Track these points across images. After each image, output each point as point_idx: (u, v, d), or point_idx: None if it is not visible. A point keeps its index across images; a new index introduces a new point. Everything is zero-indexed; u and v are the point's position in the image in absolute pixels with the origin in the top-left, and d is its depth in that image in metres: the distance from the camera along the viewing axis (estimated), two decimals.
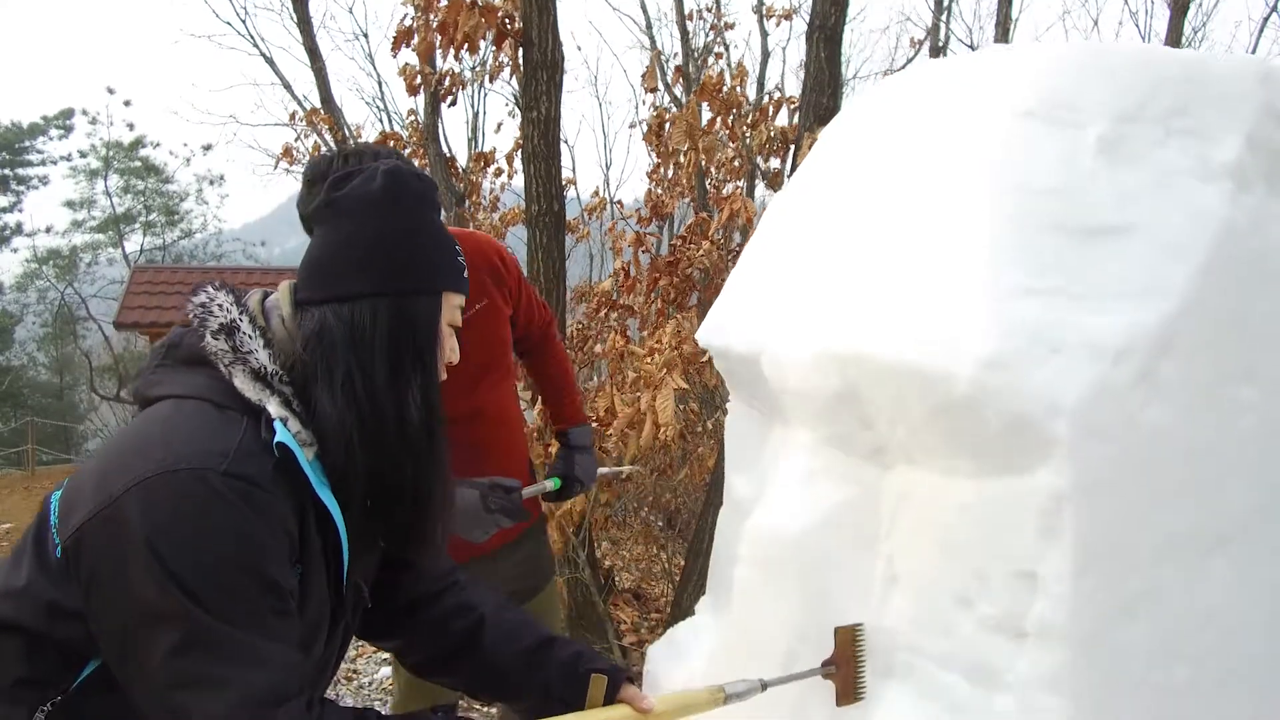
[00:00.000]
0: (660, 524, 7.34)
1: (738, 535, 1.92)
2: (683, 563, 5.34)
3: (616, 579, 5.92)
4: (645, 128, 5.38)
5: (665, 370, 4.06)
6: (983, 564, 1.53)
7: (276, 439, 1.28)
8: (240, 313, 1.37)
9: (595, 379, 6.91)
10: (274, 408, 1.31)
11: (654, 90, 5.85)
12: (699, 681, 1.97)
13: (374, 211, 1.38)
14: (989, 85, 1.69)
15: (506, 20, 4.68)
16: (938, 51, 12.28)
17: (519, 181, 6.08)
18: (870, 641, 1.70)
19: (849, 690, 1.68)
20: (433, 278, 1.42)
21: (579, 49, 18.11)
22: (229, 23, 24.27)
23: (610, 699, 1.58)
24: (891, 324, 1.56)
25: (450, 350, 1.49)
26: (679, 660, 2.14)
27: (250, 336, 1.35)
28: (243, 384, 1.32)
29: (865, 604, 1.72)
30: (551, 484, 2.69)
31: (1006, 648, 1.50)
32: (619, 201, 10.57)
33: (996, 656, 1.51)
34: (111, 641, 1.22)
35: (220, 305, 1.37)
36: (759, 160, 6.11)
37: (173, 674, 1.17)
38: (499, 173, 9.47)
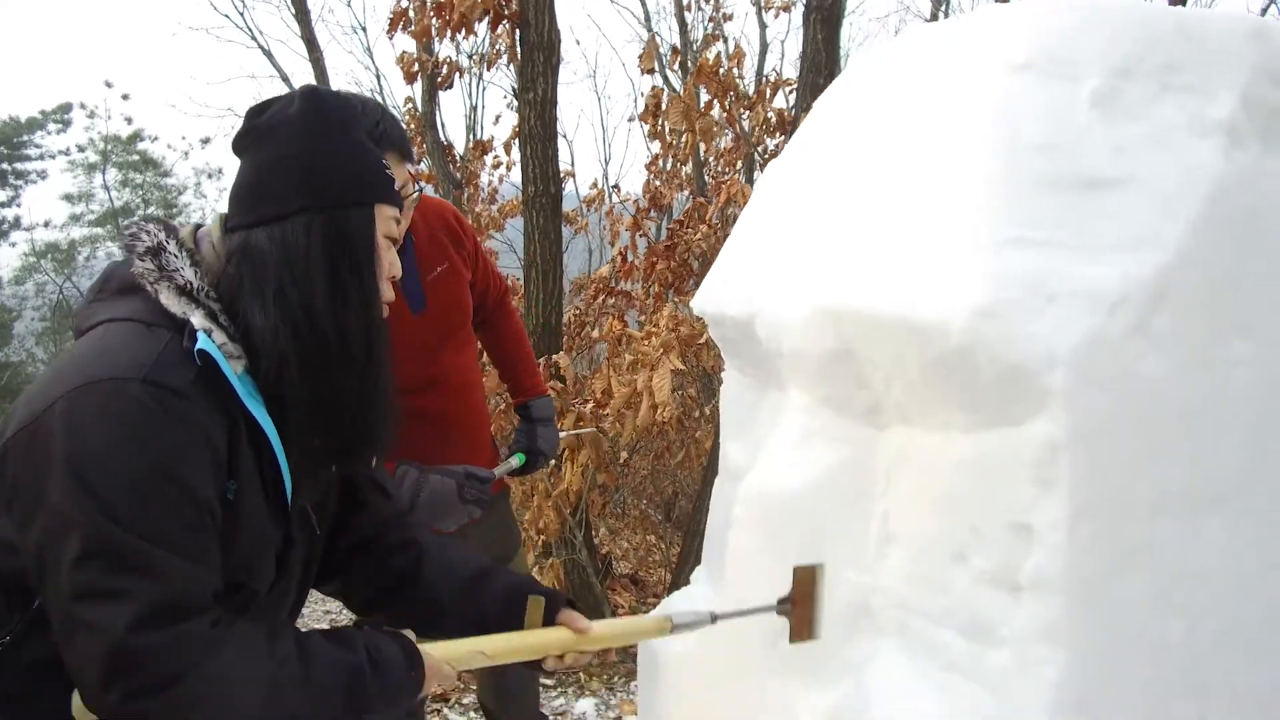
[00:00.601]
0: (659, 517, 7.35)
1: (733, 500, 1.92)
2: (679, 549, 5.35)
3: (614, 566, 5.93)
4: (643, 106, 5.36)
5: (662, 351, 4.06)
6: (978, 518, 1.52)
7: (197, 347, 1.27)
8: (168, 237, 1.37)
9: (591, 367, 6.92)
10: (198, 319, 1.30)
11: (651, 71, 5.84)
12: (694, 649, 1.97)
13: (295, 131, 1.38)
14: (983, 41, 1.69)
15: (503, 2, 4.68)
16: None
17: (518, 174, 6.10)
18: (863, 601, 1.70)
19: (804, 628, 1.65)
20: (363, 190, 1.41)
21: (578, 43, 18.16)
22: (226, 15, 24.13)
23: (550, 623, 1.59)
24: (885, 279, 1.56)
25: (391, 265, 1.47)
26: None
27: (176, 256, 1.35)
28: (168, 300, 1.31)
29: (860, 564, 1.72)
30: (516, 460, 2.70)
31: (1002, 602, 1.50)
32: (616, 186, 10.56)
33: (992, 611, 1.51)
34: (34, 556, 1.21)
35: (148, 231, 1.37)
36: (756, 148, 6.10)
37: (74, 585, 1.16)
38: (497, 164, 9.46)
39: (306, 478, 1.46)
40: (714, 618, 1.59)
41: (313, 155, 1.38)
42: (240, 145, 1.42)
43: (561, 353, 4.46)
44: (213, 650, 1.21)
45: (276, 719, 1.27)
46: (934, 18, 12.58)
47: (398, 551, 1.67)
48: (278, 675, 1.26)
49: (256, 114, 1.42)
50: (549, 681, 4.44)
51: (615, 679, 4.48)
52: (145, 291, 1.33)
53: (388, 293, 1.47)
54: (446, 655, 1.47)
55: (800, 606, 1.65)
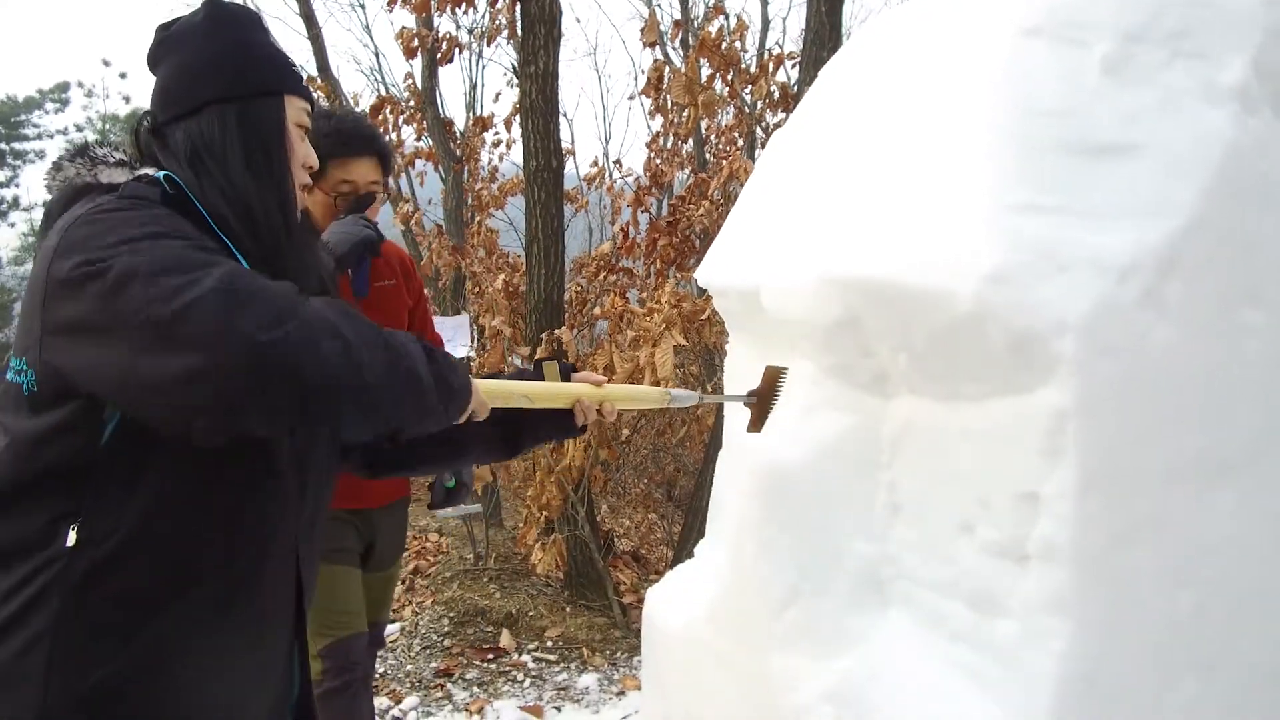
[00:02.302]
0: (660, 495, 7.36)
1: (738, 471, 1.91)
2: (681, 526, 5.35)
3: (616, 543, 5.94)
4: (645, 80, 5.32)
5: (665, 327, 4.04)
6: (985, 488, 1.51)
7: (161, 173, 1.33)
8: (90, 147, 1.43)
9: (592, 344, 6.89)
10: (150, 170, 1.36)
11: (653, 44, 5.80)
12: (702, 624, 1.97)
13: (203, 34, 1.46)
14: (993, 5, 1.66)
15: None
16: None
17: (518, 153, 6.06)
18: (870, 571, 1.70)
19: (757, 421, 1.81)
20: (271, 80, 1.48)
21: (578, 20, 18.03)
22: None
23: (567, 379, 1.69)
24: (893, 246, 1.54)
25: (305, 155, 1.53)
26: (679, 601, 2.13)
27: (105, 151, 1.42)
28: (111, 175, 1.37)
29: (867, 534, 1.71)
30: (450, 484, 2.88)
31: (1009, 572, 1.49)
32: (618, 161, 10.49)
33: (999, 581, 1.50)
34: (107, 339, 1.19)
35: (66, 151, 1.44)
36: (758, 125, 6.07)
37: (156, 295, 1.14)
38: (498, 142, 9.41)
39: None
40: (700, 397, 1.82)
41: (220, 52, 1.45)
42: (154, 58, 1.49)
43: (564, 328, 4.44)
44: (302, 302, 1.23)
45: (375, 363, 1.26)
46: None
47: None
48: (359, 330, 1.27)
49: (165, 29, 1.49)
50: (552, 657, 4.45)
51: (618, 654, 4.49)
52: (87, 189, 1.37)
53: (302, 177, 1.52)
54: (490, 389, 1.52)
55: (761, 402, 1.80)
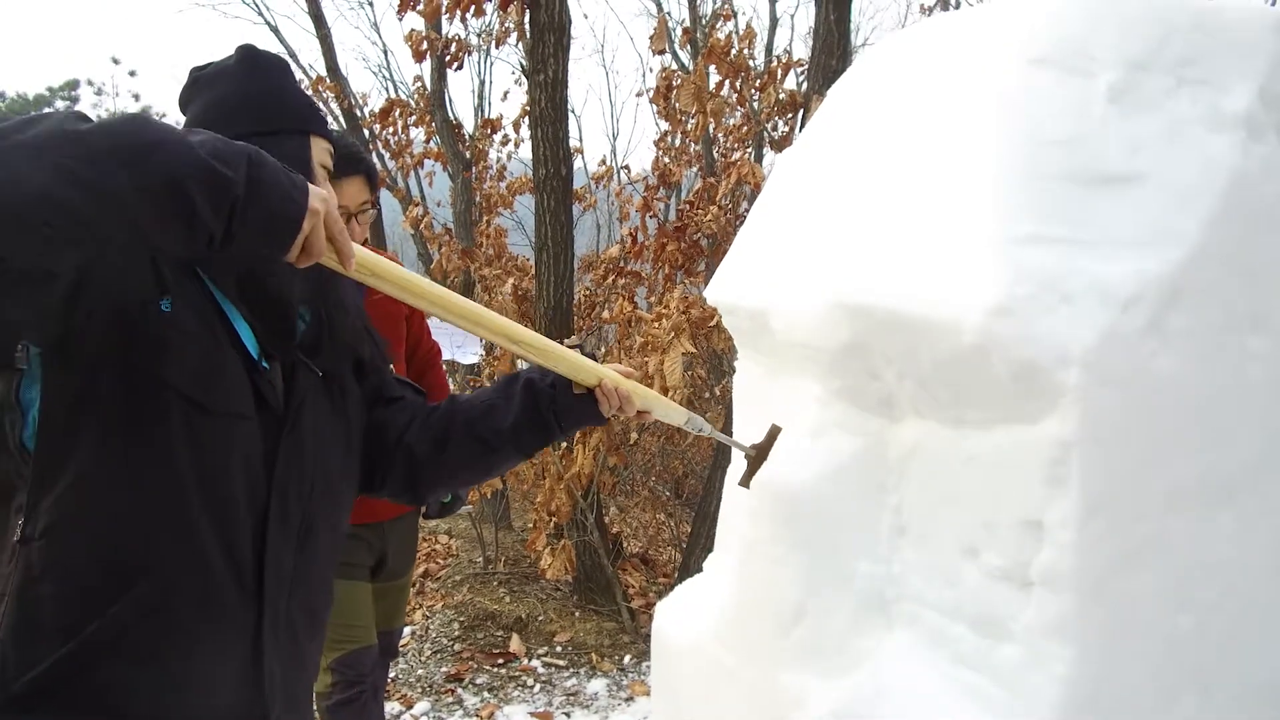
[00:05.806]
0: (667, 493, 7.38)
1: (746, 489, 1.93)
2: (689, 528, 5.37)
3: (624, 544, 5.97)
4: (654, 86, 5.35)
5: (673, 334, 4.06)
6: (989, 514, 1.53)
7: None
8: None
9: (602, 347, 6.92)
10: None
11: (662, 52, 5.81)
12: (710, 639, 1.99)
13: (233, 77, 1.50)
14: (999, 33, 1.68)
15: None
16: None
17: (526, 151, 6.07)
18: (876, 592, 1.72)
19: (747, 478, 1.82)
20: (296, 119, 1.53)
21: (585, 16, 18.02)
22: None
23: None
24: (901, 275, 1.56)
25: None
26: (687, 616, 2.15)
27: None
28: None
29: (873, 555, 1.73)
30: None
31: (1013, 597, 1.51)
32: (626, 166, 10.50)
33: (1003, 606, 1.52)
34: None
35: None
36: (766, 126, 6.08)
37: None
38: (505, 141, 9.44)
39: (267, 331, 1.48)
40: (713, 432, 1.86)
41: (248, 93, 1.49)
42: (185, 97, 1.53)
43: (573, 335, 4.46)
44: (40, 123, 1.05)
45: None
46: (945, 6, 12.44)
47: (433, 410, 1.74)
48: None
49: (198, 70, 1.53)
50: (561, 662, 4.48)
51: (627, 659, 4.52)
52: None
53: None
54: (498, 322, 1.60)
55: (756, 458, 1.81)
